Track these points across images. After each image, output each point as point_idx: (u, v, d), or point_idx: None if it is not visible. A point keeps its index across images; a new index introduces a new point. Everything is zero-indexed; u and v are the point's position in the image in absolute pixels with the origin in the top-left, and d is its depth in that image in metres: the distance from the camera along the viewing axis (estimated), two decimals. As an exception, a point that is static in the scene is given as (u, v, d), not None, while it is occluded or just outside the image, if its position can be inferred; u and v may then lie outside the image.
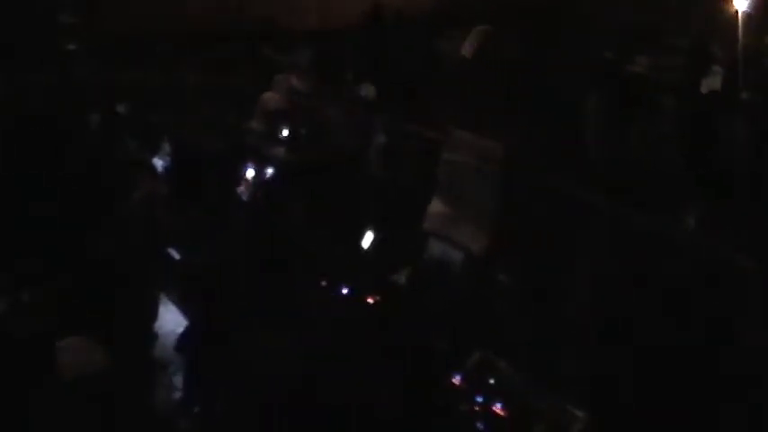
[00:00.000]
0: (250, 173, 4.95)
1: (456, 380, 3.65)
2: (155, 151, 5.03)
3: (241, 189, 4.95)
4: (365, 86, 5.50)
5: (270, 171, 4.96)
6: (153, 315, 4.59)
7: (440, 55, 6.72)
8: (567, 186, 4.91)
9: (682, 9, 7.51)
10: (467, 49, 6.77)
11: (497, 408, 3.54)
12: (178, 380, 4.48)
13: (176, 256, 4.85)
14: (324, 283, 4.27)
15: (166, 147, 5.03)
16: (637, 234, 4.60)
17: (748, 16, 6.78)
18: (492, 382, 3.60)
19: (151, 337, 4.53)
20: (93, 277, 4.35)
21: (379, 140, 5.01)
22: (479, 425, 3.58)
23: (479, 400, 3.56)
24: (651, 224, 4.62)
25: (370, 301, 4.12)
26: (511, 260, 4.39)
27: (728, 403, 3.49)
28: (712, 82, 6.41)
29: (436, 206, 4.50)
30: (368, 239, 4.47)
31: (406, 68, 6.10)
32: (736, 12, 6.80)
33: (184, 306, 4.71)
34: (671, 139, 5.86)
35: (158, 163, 5.01)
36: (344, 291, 4.22)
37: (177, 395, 4.40)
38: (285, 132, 5.15)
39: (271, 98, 5.31)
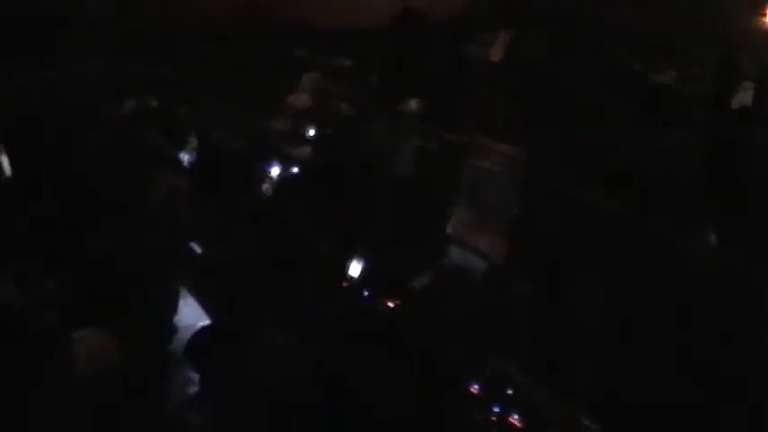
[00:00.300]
0: (275, 171, 4.96)
1: (473, 388, 3.65)
2: (180, 146, 5.05)
3: (266, 187, 4.96)
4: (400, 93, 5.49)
5: (294, 170, 4.98)
6: (173, 309, 4.60)
7: (467, 59, 6.70)
8: (588, 196, 4.90)
9: (711, 21, 7.44)
10: (493, 52, 6.76)
11: (514, 418, 3.55)
12: (194, 375, 4.50)
13: (197, 250, 4.86)
14: (344, 285, 4.28)
15: (193, 142, 5.04)
16: (658, 245, 4.59)
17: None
18: (509, 392, 3.60)
19: (170, 331, 4.54)
20: (113, 270, 4.37)
21: (405, 144, 5.00)
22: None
23: (496, 410, 3.56)
24: (672, 236, 4.60)
25: (390, 304, 4.12)
26: (530, 269, 4.39)
27: (743, 415, 3.48)
28: (743, 97, 6.34)
29: (458, 212, 4.50)
30: (384, 245, 4.47)
31: (433, 72, 6.09)
32: (768, 25, 6.74)
33: (202, 301, 4.72)
34: (696, 152, 5.82)
35: (184, 158, 5.02)
36: (364, 293, 4.22)
37: (192, 390, 4.41)
38: (311, 132, 5.16)
39: (299, 97, 5.32)
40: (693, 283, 4.27)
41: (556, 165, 5.06)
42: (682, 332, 4.02)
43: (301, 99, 5.32)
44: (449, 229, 4.43)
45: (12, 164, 4.22)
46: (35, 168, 4.63)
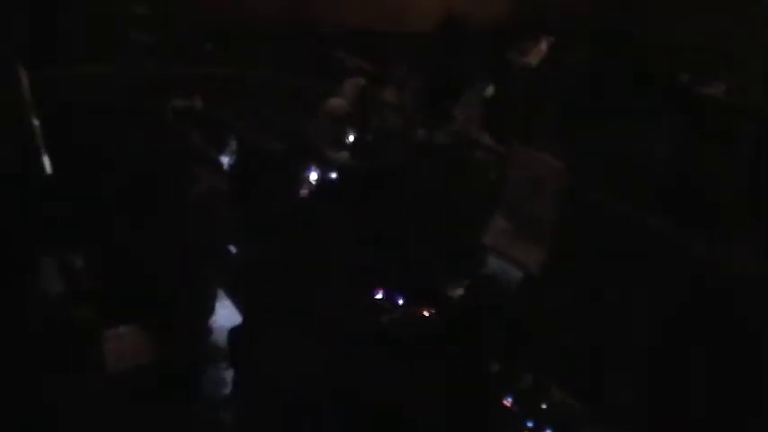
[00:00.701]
0: (313, 176, 4.97)
1: (507, 402, 3.61)
2: (220, 148, 5.08)
3: (304, 191, 4.97)
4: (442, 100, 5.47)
5: (333, 175, 4.98)
6: (209, 310, 4.63)
7: (509, 67, 6.67)
8: (630, 209, 4.83)
9: (762, 33, 7.29)
10: (535, 61, 6.71)
11: (547, 433, 3.50)
12: (227, 375, 4.52)
13: (233, 251, 4.88)
14: (379, 294, 4.26)
15: (232, 144, 5.08)
16: (701, 261, 4.49)
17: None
18: (544, 406, 3.54)
19: (205, 332, 4.57)
20: (150, 268, 4.41)
21: (444, 151, 4.98)
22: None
23: (530, 425, 3.51)
24: (717, 253, 4.51)
25: (425, 313, 4.09)
26: (570, 281, 4.33)
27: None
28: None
29: (496, 221, 4.45)
30: (421, 253, 4.44)
31: (474, 79, 6.06)
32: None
33: (236, 302, 4.73)
34: (744, 167, 5.70)
35: (223, 159, 5.06)
36: (399, 302, 4.20)
37: (225, 391, 4.43)
38: (351, 137, 5.16)
39: (339, 102, 5.32)
40: (740, 301, 4.18)
41: (597, 176, 5.00)
42: (726, 350, 3.93)
43: (342, 103, 5.32)
44: (487, 239, 4.38)
45: (55, 160, 4.29)
46: (78, 165, 4.70)
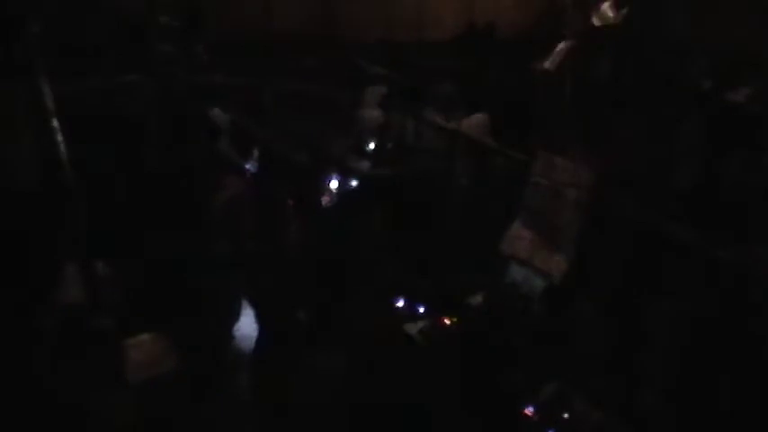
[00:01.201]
0: (334, 184, 4.99)
1: (529, 411, 3.59)
2: (245, 155, 5.11)
3: (325, 199, 4.99)
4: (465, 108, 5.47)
5: (354, 183, 5.00)
6: (234, 317, 4.65)
7: (532, 74, 6.65)
8: (655, 217, 4.77)
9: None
10: (558, 68, 6.68)
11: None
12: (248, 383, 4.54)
13: (256, 259, 4.91)
14: (400, 302, 4.26)
15: (255, 152, 5.11)
16: (728, 270, 4.43)
17: None
18: (566, 416, 3.52)
19: (228, 339, 4.59)
20: (175, 275, 4.44)
21: (466, 159, 4.97)
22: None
23: (551, 433, 3.50)
24: (744, 260, 4.43)
25: (447, 321, 4.09)
26: (593, 291, 4.29)
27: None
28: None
29: (520, 229, 4.44)
30: (442, 261, 4.43)
31: (497, 87, 6.06)
32: None
33: (257, 309, 4.75)
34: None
35: (248, 166, 5.09)
36: (420, 310, 4.20)
37: (245, 398, 4.44)
38: (372, 146, 5.18)
39: (361, 110, 5.34)
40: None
41: (621, 184, 4.96)
42: (754, 362, 3.87)
43: (364, 112, 5.35)
44: (509, 247, 4.37)
45: (83, 164, 4.34)
46: (106, 170, 4.75)
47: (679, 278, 4.35)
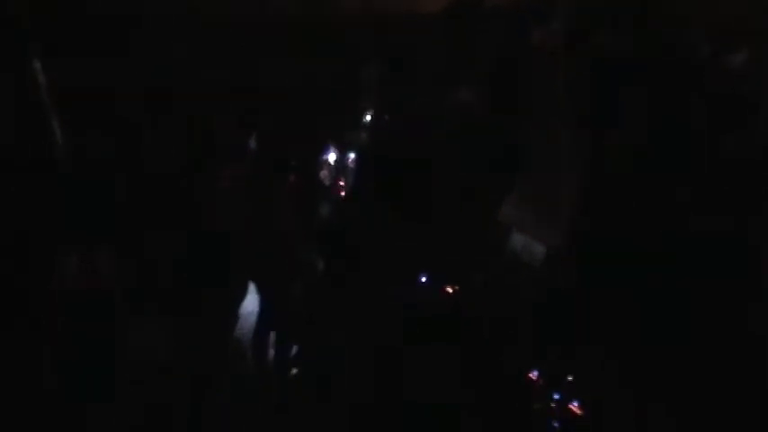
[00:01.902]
0: (332, 157, 4.98)
1: (533, 375, 3.60)
2: (245, 135, 5.07)
3: (324, 173, 4.98)
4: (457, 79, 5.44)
5: (351, 156, 4.98)
6: (240, 297, 4.64)
7: (527, 45, 6.59)
8: (654, 185, 4.76)
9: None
10: (555, 37, 6.63)
11: (574, 406, 3.48)
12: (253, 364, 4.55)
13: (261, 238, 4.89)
14: (401, 271, 4.26)
15: (251, 131, 5.08)
16: (726, 240, 4.40)
17: None
18: (570, 378, 3.53)
19: (234, 318, 4.59)
20: (178, 257, 4.43)
21: (462, 131, 4.95)
22: (555, 422, 3.53)
23: (556, 397, 3.50)
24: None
25: (449, 290, 4.09)
26: (593, 256, 4.28)
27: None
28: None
29: (519, 198, 4.44)
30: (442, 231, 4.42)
31: (492, 58, 6.00)
32: None
33: (262, 288, 4.75)
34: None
35: (250, 145, 5.05)
36: (422, 279, 4.19)
37: (250, 380, 4.46)
38: (368, 117, 5.15)
39: (355, 83, 5.31)
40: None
41: (621, 152, 4.95)
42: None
43: (358, 85, 5.31)
44: (508, 216, 4.37)
45: (84, 151, 4.33)
46: (107, 155, 4.73)
47: (677, 243, 4.35)
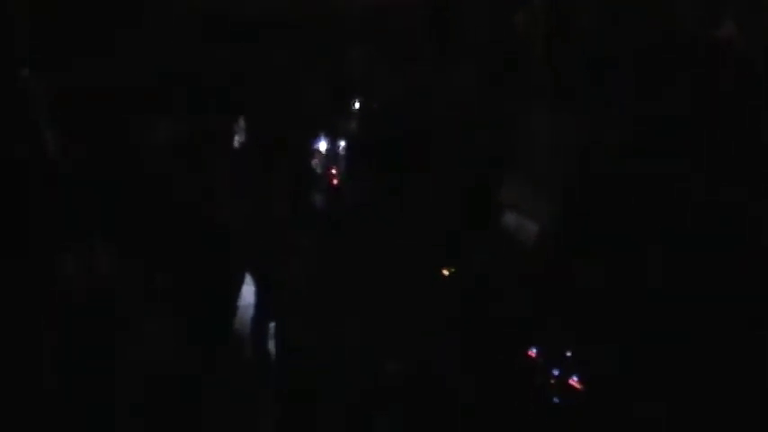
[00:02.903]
0: (323, 145, 4.97)
1: (531, 352, 3.62)
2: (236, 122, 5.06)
3: (315, 162, 4.97)
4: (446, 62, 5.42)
5: (342, 144, 4.97)
6: (238, 287, 4.64)
7: (512, 23, 6.57)
8: (650, 165, 4.75)
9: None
10: (541, 16, 6.61)
11: (574, 381, 3.50)
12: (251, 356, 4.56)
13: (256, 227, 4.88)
14: (397, 255, 4.26)
15: (240, 121, 5.07)
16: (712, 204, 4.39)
17: None
18: (568, 354, 3.55)
19: (232, 311, 4.59)
20: (177, 246, 4.42)
21: (455, 111, 4.95)
22: (555, 398, 3.54)
23: (555, 373, 3.52)
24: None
25: (445, 272, 4.10)
26: (590, 234, 4.29)
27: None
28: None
29: (512, 177, 4.44)
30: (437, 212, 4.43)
31: (479, 36, 5.99)
32: None
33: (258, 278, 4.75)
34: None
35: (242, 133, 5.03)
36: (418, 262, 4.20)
37: (248, 374, 4.46)
38: (357, 105, 5.14)
39: (344, 70, 5.29)
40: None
41: (615, 133, 4.95)
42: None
43: (347, 71, 5.30)
44: (503, 194, 4.38)
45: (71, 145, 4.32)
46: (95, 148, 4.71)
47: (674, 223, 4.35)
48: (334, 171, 5.03)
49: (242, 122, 5.04)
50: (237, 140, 5.10)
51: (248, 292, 4.71)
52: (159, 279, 4.25)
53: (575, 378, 3.48)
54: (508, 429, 3.67)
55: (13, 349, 3.75)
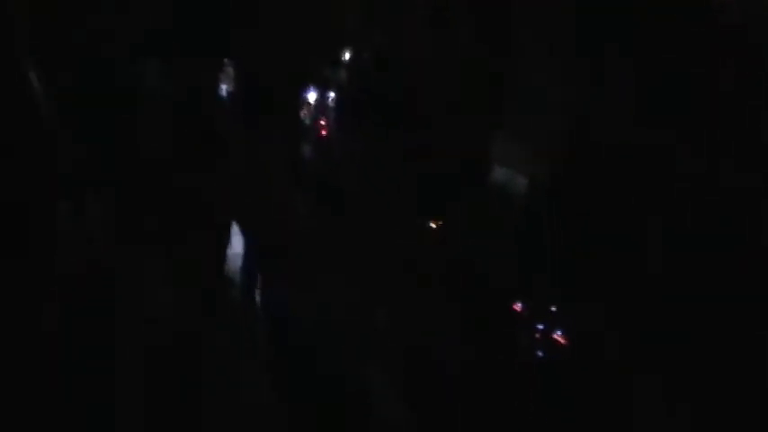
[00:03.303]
0: (312, 96, 4.92)
1: (516, 307, 3.63)
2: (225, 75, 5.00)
3: (304, 113, 4.93)
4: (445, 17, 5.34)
5: (332, 96, 4.92)
6: (226, 240, 4.63)
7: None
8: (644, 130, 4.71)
9: None
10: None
11: (558, 335, 3.51)
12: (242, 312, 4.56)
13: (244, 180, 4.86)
14: (385, 207, 4.25)
15: (229, 72, 5.00)
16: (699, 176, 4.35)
17: None
18: (553, 309, 3.56)
19: (223, 260, 4.58)
20: (170, 199, 4.39)
21: (448, 66, 4.89)
22: (540, 352, 3.56)
23: (540, 327, 3.53)
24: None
25: (432, 225, 4.09)
26: (579, 192, 4.27)
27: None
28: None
29: (501, 132, 4.41)
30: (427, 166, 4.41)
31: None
32: None
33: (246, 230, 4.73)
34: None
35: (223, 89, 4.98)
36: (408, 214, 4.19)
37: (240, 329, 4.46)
38: (347, 56, 5.07)
39: (333, 19, 5.21)
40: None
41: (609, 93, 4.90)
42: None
43: (336, 21, 5.21)
44: (493, 149, 4.35)
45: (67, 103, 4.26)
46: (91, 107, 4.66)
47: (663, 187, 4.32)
48: (323, 122, 4.99)
49: (230, 71, 4.98)
50: (226, 90, 5.05)
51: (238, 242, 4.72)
52: (148, 222, 4.23)
53: (559, 333, 3.50)
54: (494, 382, 3.70)
55: (13, 323, 3.74)
